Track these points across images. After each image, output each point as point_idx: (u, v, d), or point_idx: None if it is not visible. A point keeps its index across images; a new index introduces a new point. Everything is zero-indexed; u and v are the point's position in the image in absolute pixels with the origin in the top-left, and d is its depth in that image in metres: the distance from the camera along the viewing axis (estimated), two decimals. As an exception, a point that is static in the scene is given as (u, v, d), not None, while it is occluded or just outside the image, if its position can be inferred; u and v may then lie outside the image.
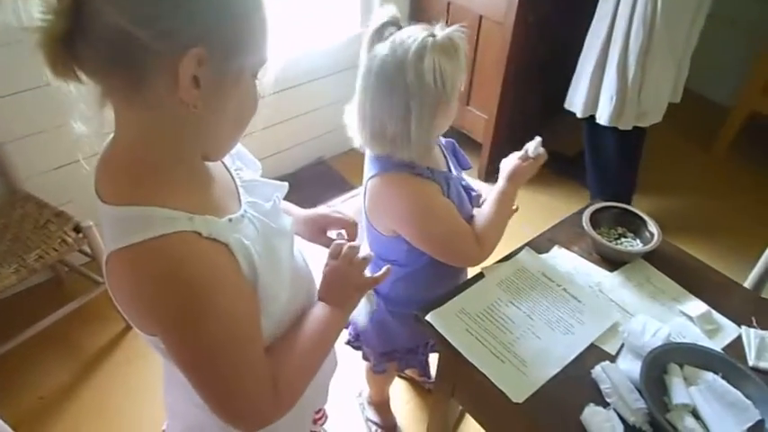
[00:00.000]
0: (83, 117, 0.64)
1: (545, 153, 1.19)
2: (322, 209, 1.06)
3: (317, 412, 1.13)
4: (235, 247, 0.68)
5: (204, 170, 0.74)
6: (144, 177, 0.66)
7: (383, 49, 1.00)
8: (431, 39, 0.97)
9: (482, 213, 1.18)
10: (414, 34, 0.99)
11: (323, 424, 1.17)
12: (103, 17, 0.55)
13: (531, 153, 1.18)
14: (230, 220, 0.71)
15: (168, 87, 0.60)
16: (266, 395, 0.73)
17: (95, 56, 0.58)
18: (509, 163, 1.19)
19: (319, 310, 0.87)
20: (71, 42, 0.57)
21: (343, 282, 0.90)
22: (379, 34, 1.03)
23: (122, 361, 1.89)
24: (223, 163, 0.81)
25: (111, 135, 0.69)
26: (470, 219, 1.20)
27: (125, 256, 0.63)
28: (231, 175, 0.81)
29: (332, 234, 1.03)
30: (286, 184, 0.88)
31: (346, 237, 1.00)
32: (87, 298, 1.83)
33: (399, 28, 1.02)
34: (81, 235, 1.69)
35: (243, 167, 0.85)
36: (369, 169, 1.15)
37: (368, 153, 1.16)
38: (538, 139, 1.19)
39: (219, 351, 0.67)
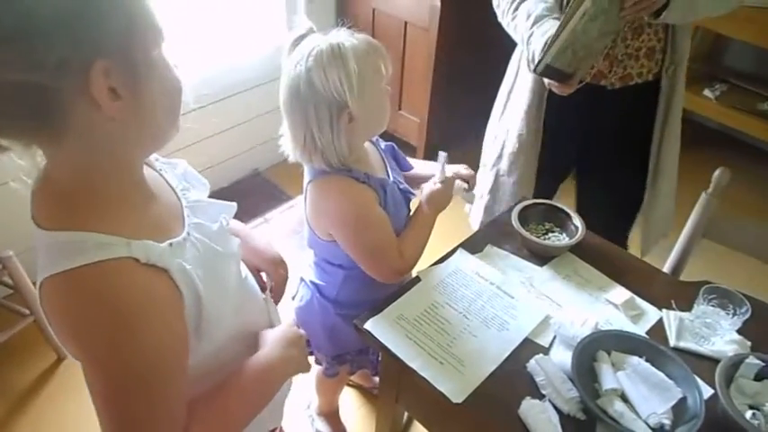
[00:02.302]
0: (20, 174, 0.64)
1: (453, 178, 1.24)
2: (255, 239, 1.05)
3: (273, 430, 1.12)
4: (175, 274, 0.67)
5: (144, 188, 0.73)
6: (79, 201, 0.64)
7: (287, 65, 1.03)
8: (317, 48, 1.00)
9: (405, 233, 1.20)
10: (311, 44, 1.01)
11: None
12: None
13: (437, 179, 1.21)
14: (171, 244, 0.69)
15: (90, 111, 0.59)
16: None
17: (6, 117, 0.57)
18: (426, 187, 1.23)
19: (262, 360, 0.83)
20: None
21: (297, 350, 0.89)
22: (294, 47, 1.04)
23: (55, 394, 1.80)
24: (169, 184, 0.80)
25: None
26: (405, 223, 1.22)
27: (57, 282, 0.61)
28: (177, 195, 0.79)
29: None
30: (234, 204, 0.86)
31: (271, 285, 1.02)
32: (12, 331, 1.73)
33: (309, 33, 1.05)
34: (1, 266, 1.60)
35: (190, 188, 0.83)
36: (307, 173, 1.16)
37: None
38: (442, 154, 1.22)
39: (136, 386, 0.64)
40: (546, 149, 1.53)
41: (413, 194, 1.24)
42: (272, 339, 0.87)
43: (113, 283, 0.62)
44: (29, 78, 0.54)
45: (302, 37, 1.04)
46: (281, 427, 1.15)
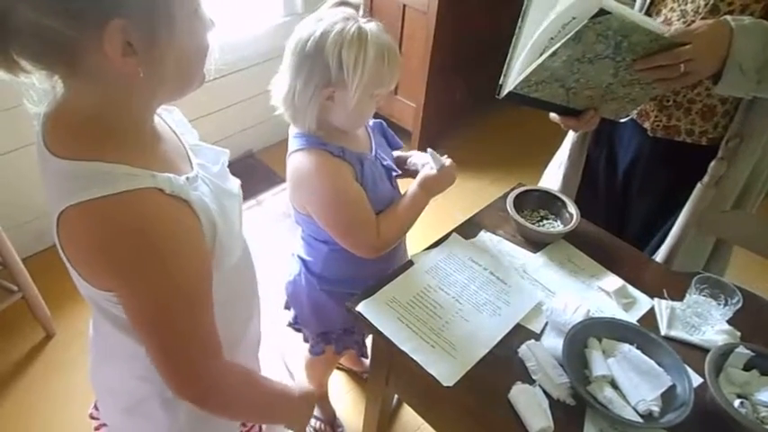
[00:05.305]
0: (34, 97, 0.67)
1: (449, 164, 1.21)
2: None
3: None
4: (196, 204, 0.70)
5: (155, 132, 0.75)
6: (102, 136, 0.67)
7: (311, 19, 1.04)
8: (341, 24, 1.00)
9: (390, 211, 1.19)
10: (334, 16, 1.01)
11: None
12: (16, 13, 0.56)
13: (435, 165, 1.20)
14: (188, 178, 0.72)
15: (104, 61, 0.60)
16: (214, 359, 0.75)
17: (26, 49, 0.60)
18: (422, 170, 1.22)
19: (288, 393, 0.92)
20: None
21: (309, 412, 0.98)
22: (336, 5, 1.05)
23: (43, 372, 1.79)
24: (170, 127, 0.82)
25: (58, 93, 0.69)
26: (389, 199, 1.21)
27: (88, 210, 0.63)
28: (179, 138, 0.82)
29: None
30: (227, 151, 0.89)
31: None
32: (1, 308, 1.72)
33: (357, 8, 1.05)
34: (-12, 242, 1.58)
35: (185, 133, 0.86)
36: (289, 148, 1.16)
37: (290, 132, 1.17)
38: (429, 150, 1.22)
39: (180, 305, 0.69)
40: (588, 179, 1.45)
41: (396, 171, 1.23)
42: (303, 391, 0.94)
43: (143, 211, 0.65)
44: (44, 21, 0.57)
45: (346, 3, 1.04)
46: None
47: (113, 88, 0.65)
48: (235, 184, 0.87)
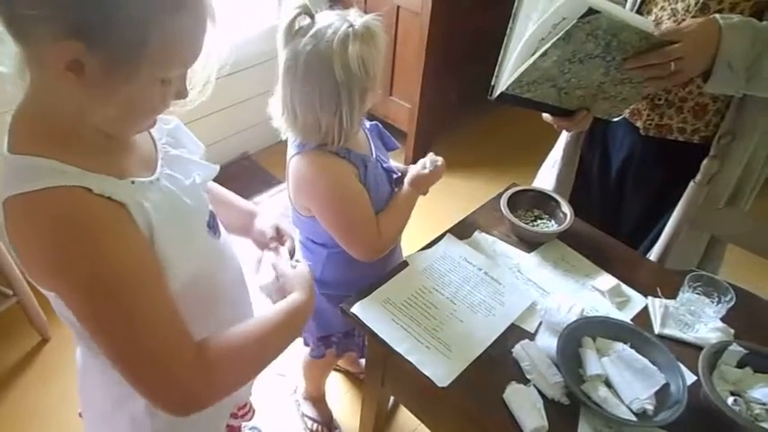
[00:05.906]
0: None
1: (442, 164, 1.24)
2: (262, 221, 1.07)
3: (243, 407, 1.12)
4: (132, 208, 0.68)
5: (113, 137, 0.74)
6: (47, 132, 0.67)
7: (305, 43, 1.00)
8: (351, 29, 0.99)
9: (387, 210, 1.20)
10: (333, 25, 1.00)
11: (250, 419, 1.15)
12: None
13: (428, 166, 1.22)
14: (133, 182, 0.71)
15: (51, 59, 0.60)
16: (181, 352, 0.69)
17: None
18: (412, 169, 1.24)
19: (283, 302, 0.87)
20: None
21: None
22: (291, 27, 1.02)
23: (39, 376, 1.79)
24: (151, 135, 0.81)
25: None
26: (389, 201, 1.22)
27: (17, 204, 0.64)
28: (155, 145, 0.81)
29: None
30: (216, 167, 0.88)
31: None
32: (-5, 313, 1.71)
33: (312, 16, 1.02)
34: (-18, 246, 1.58)
35: (177, 144, 0.85)
36: (289, 150, 1.16)
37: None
38: (431, 154, 1.25)
39: (125, 300, 0.65)
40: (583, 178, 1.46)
41: (396, 173, 1.24)
42: (299, 284, 0.91)
43: (67, 206, 0.64)
44: (19, 4, 0.58)
45: (300, 15, 1.01)
46: (249, 403, 1.16)
47: (59, 90, 0.64)
48: (204, 201, 0.86)
